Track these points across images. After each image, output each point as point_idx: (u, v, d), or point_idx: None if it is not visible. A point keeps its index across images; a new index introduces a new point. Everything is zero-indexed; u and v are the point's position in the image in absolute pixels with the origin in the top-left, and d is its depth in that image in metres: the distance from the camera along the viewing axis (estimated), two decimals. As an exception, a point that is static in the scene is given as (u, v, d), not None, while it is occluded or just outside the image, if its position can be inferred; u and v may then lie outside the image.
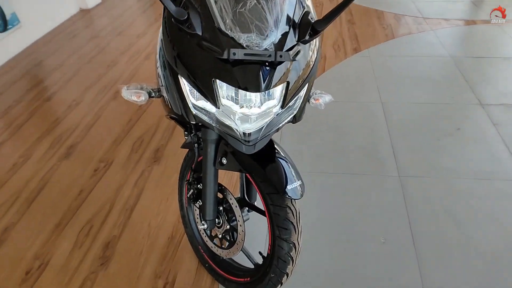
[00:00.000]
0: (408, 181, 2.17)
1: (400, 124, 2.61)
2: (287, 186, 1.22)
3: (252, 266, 1.57)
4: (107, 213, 2.17)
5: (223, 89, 1.04)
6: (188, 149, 1.66)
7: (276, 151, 1.29)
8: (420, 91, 2.96)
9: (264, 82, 1.00)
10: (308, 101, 1.33)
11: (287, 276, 1.36)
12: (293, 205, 1.30)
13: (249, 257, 1.57)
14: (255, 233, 1.81)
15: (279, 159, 1.28)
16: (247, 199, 1.53)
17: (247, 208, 1.49)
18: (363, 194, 2.11)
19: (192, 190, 1.51)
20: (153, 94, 1.35)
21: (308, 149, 2.44)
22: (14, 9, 4.29)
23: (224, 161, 1.32)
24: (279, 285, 1.38)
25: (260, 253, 1.50)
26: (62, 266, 1.89)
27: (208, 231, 1.60)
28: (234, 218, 1.47)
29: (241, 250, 1.48)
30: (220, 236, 1.54)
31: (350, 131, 2.55)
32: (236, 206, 1.42)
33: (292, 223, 1.29)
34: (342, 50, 3.59)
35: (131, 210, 2.17)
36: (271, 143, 1.28)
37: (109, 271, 1.86)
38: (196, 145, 1.47)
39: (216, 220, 1.50)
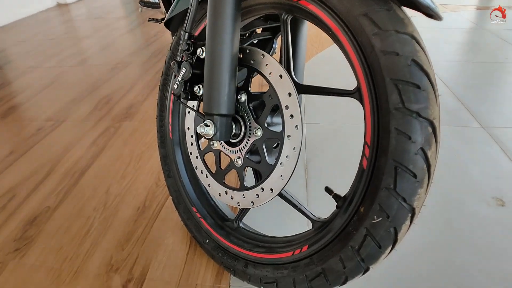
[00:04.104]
0: (496, 131, 1.42)
1: (457, 78, 1.91)
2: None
3: (303, 230, 0.73)
4: (42, 178, 1.30)
5: None
6: (174, 32, 0.89)
7: None
8: (467, 54, 2.33)
9: None
10: None
11: (412, 218, 0.54)
12: (420, 38, 0.54)
13: (298, 209, 0.72)
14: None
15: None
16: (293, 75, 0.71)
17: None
18: (453, 147, 1.35)
19: (184, 70, 0.70)
20: None
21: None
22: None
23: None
24: (390, 247, 0.56)
25: (328, 189, 0.68)
26: None
27: (215, 147, 0.77)
28: (268, 113, 0.66)
29: (284, 187, 0.66)
30: (239, 162, 0.71)
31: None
32: (288, 85, 0.62)
33: (426, 73, 0.51)
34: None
35: (81, 174, 1.30)
36: None
37: (27, 260, 0.98)
38: None
39: (233, 125, 0.69)
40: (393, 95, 0.52)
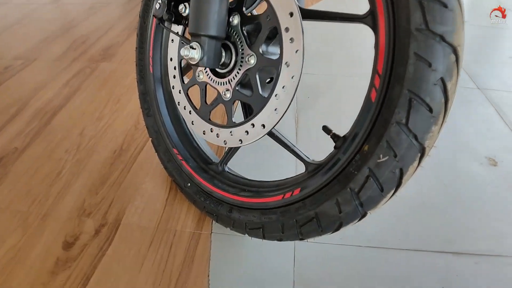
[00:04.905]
0: (492, 94, 1.38)
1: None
2: None
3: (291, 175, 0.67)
4: (8, 118, 1.19)
5: None
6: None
7: None
8: (466, 16, 2.23)
9: None
10: None
11: (421, 160, 0.48)
12: None
13: (291, 150, 0.65)
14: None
15: None
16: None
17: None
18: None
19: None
20: None
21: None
22: None
23: None
24: (392, 191, 0.51)
25: (326, 128, 0.61)
26: None
27: (202, 79, 0.68)
28: (264, 37, 0.57)
29: (277, 124, 0.59)
30: (228, 95, 0.63)
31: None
32: (289, 3, 0.53)
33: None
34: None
35: (52, 115, 1.20)
36: None
37: (-12, 202, 0.89)
38: None
39: (222, 52, 0.60)
40: (416, 14, 0.44)
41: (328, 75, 1.44)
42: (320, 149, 0.61)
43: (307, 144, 1.07)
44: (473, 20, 2.16)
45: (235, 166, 0.80)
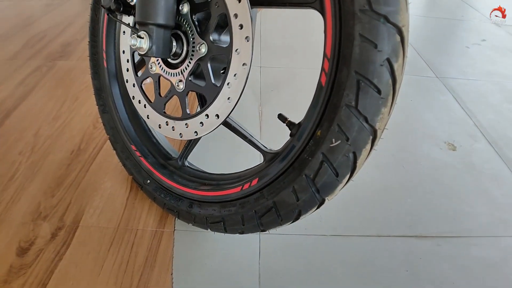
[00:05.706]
0: (450, 82, 1.43)
1: (415, 30, 1.89)
2: None
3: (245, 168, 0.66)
4: (-44, 119, 1.11)
5: None
6: None
7: None
8: (425, 9, 2.31)
9: None
10: None
11: (373, 143, 0.48)
12: None
13: (248, 140, 0.64)
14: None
15: None
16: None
17: None
18: (409, 94, 1.33)
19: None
20: None
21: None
22: None
23: None
24: (347, 176, 0.50)
25: (281, 116, 0.60)
26: None
27: (154, 71, 0.65)
28: (214, 25, 0.56)
29: (231, 112, 0.57)
30: (181, 86, 0.61)
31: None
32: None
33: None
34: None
35: (5, 116, 1.13)
36: None
37: None
38: None
39: (173, 42, 0.58)
40: (360, -5, 0.43)
41: (291, 68, 1.44)
42: (284, 140, 0.60)
43: (271, 136, 1.06)
44: (431, 13, 2.23)
45: (203, 161, 0.78)
